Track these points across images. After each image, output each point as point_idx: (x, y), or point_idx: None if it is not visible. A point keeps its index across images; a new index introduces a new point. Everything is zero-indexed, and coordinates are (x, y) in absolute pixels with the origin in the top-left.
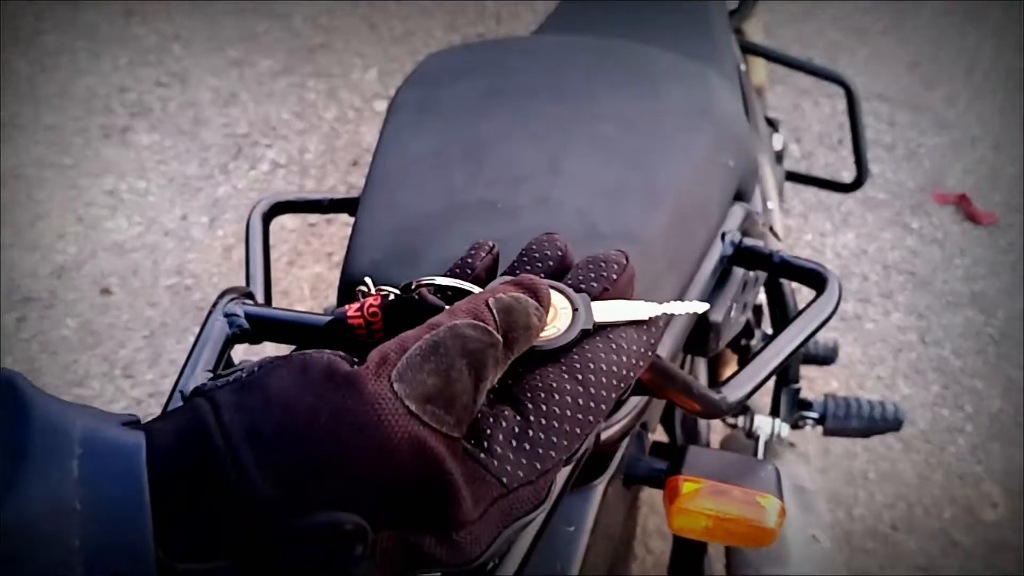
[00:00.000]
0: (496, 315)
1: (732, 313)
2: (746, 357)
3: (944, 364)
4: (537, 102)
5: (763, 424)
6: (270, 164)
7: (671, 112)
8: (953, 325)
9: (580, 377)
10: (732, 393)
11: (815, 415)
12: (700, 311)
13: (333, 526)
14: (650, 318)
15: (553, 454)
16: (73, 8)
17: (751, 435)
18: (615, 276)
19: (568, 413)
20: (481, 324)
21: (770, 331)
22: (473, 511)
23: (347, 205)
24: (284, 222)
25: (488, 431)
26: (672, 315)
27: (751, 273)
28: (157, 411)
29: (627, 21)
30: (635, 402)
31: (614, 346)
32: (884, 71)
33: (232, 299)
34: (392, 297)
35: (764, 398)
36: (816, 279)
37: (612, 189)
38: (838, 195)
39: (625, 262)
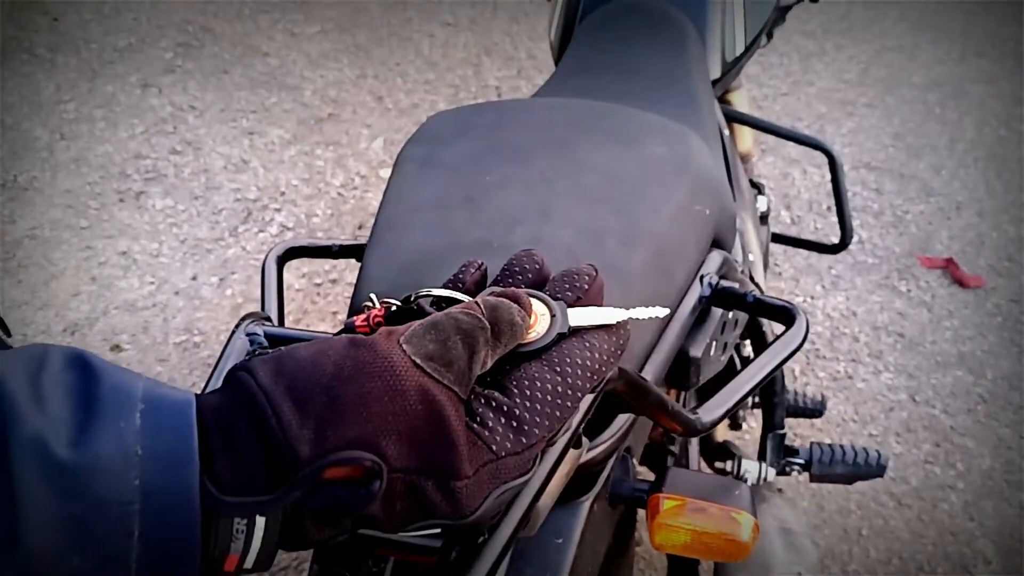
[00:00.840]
0: (484, 310)
1: (712, 351)
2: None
3: (935, 422)
4: (530, 156)
5: (751, 468)
6: (279, 227)
7: (651, 165)
8: (943, 385)
9: (559, 370)
10: (707, 414)
11: (801, 461)
12: (661, 315)
13: (355, 460)
14: (618, 322)
15: (536, 431)
16: (92, 80)
17: (739, 478)
18: (586, 286)
19: (548, 398)
20: (472, 312)
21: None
22: (468, 468)
23: (355, 251)
24: (291, 282)
25: (480, 409)
26: (639, 319)
27: (730, 316)
28: None
29: (616, 89)
30: (619, 424)
31: (587, 345)
32: (870, 142)
33: (252, 321)
34: (394, 308)
35: (752, 447)
36: (786, 315)
37: (597, 230)
38: (828, 259)
39: (595, 274)
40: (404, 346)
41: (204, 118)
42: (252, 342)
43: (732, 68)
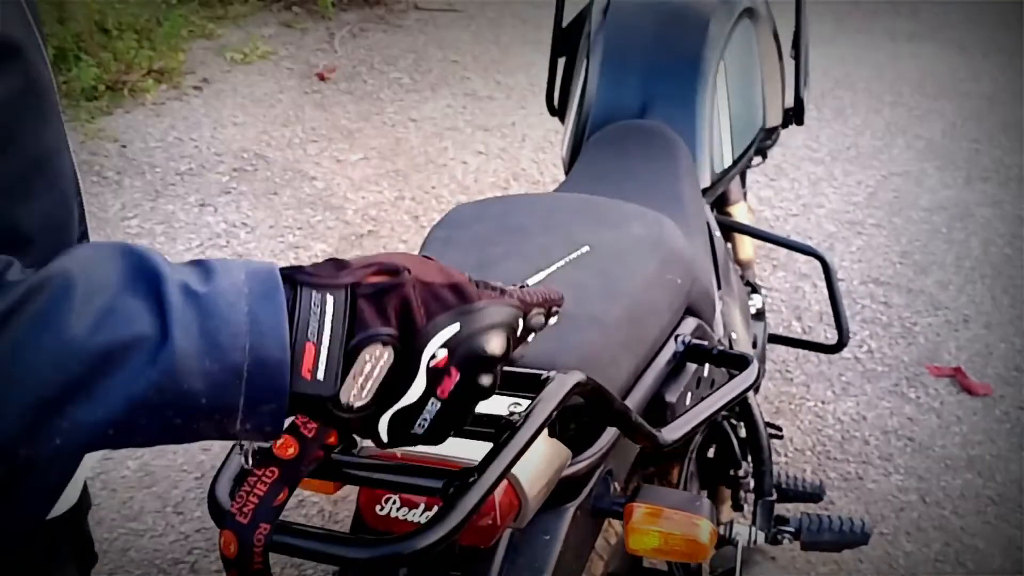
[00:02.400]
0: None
1: (687, 400)
2: (737, 491)
3: (945, 523)
4: (530, 235)
5: (741, 531)
6: None
7: (630, 242)
8: (953, 487)
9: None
10: (669, 434)
11: (791, 529)
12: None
13: (390, 267)
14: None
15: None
16: (155, 199)
17: (730, 541)
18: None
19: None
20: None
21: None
22: (480, 296)
23: None
24: None
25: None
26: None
27: (705, 373)
28: (204, 546)
29: (614, 193)
30: (602, 443)
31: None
32: (879, 259)
33: None
34: None
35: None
36: (741, 362)
37: (581, 288)
38: (838, 367)
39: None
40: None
41: (255, 234)
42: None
43: (721, 178)
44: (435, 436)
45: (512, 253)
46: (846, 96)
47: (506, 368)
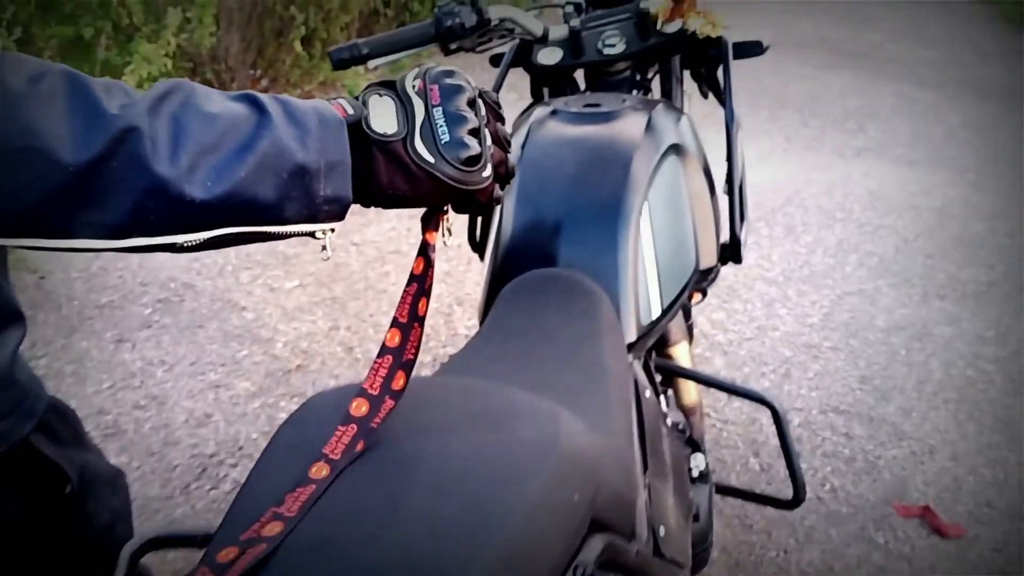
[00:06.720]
0: None
1: None
2: None
3: None
4: (395, 441)
5: None
6: (232, 484)
7: (514, 450)
8: None
9: None
10: None
11: None
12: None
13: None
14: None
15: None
16: (69, 336)
17: None
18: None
19: None
20: None
21: None
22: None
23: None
24: None
25: None
26: None
27: None
28: None
29: (527, 357)
30: None
31: None
32: (837, 385)
33: None
34: None
35: None
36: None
37: (445, 524)
38: (802, 509)
39: None
40: None
41: (172, 372)
42: None
43: (650, 330)
44: (456, 143)
45: (367, 471)
46: (797, 214)
47: None
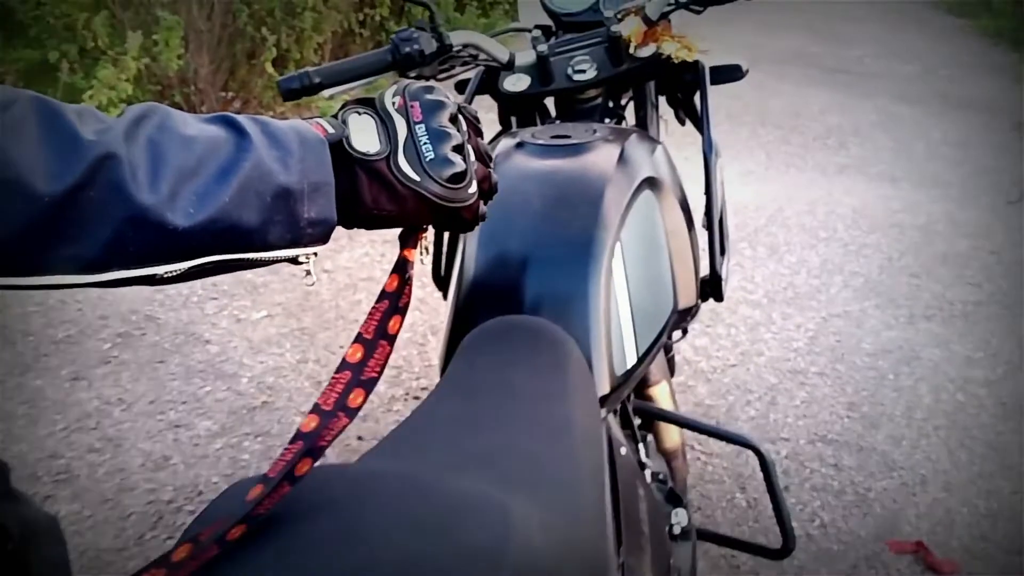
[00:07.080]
0: None
1: None
2: None
3: None
4: (323, 545)
5: None
6: None
7: (458, 562)
8: None
9: None
10: None
11: None
12: None
13: None
14: None
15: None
16: (23, 375)
17: None
18: None
19: None
20: None
21: None
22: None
23: None
24: None
25: None
26: None
27: None
28: None
29: (491, 415)
30: None
31: None
32: (824, 413)
33: None
34: None
35: None
36: None
37: None
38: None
39: None
40: None
41: (131, 411)
42: None
43: (625, 380)
44: (441, 160)
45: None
46: (780, 233)
47: None
